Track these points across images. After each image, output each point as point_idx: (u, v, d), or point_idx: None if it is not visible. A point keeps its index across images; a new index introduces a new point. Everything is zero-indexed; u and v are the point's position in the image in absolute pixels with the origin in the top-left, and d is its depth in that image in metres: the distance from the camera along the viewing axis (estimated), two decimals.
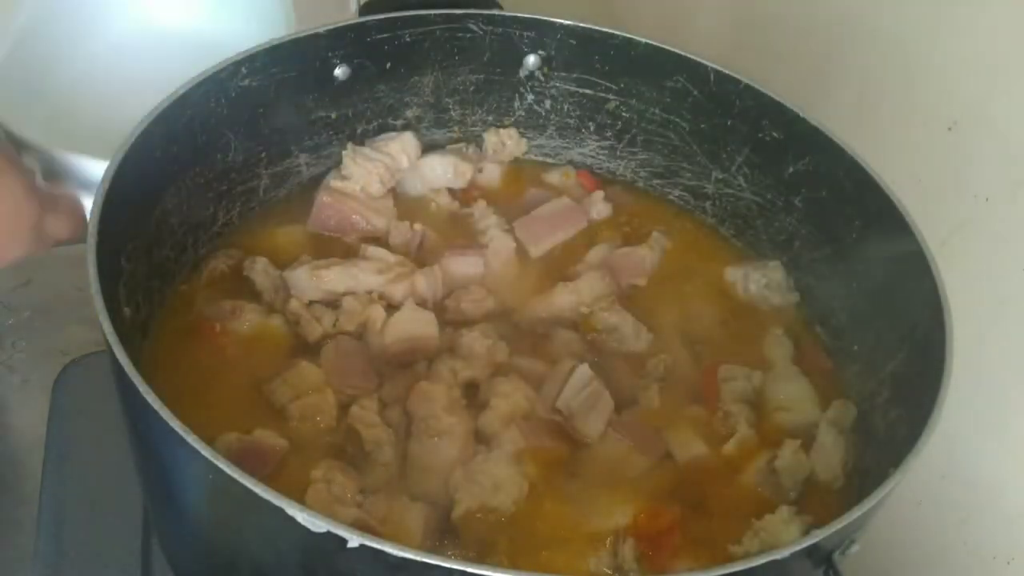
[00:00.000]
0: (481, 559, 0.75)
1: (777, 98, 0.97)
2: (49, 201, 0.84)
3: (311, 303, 0.90)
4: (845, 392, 0.91)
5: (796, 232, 1.00)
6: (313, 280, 0.90)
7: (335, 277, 0.91)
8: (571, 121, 1.10)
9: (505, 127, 1.09)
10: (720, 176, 1.05)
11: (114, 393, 0.72)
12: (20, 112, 0.97)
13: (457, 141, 1.11)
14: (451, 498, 0.78)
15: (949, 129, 0.98)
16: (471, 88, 1.07)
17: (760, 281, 1.00)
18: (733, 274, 1.02)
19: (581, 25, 1.02)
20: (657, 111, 1.05)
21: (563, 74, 1.06)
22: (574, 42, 1.03)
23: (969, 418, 0.94)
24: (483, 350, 0.88)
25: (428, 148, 1.06)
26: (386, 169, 0.99)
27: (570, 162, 1.12)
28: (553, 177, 1.10)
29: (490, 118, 1.10)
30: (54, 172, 0.92)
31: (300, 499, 0.74)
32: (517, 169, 1.11)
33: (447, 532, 0.77)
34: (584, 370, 0.86)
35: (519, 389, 0.85)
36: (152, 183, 0.85)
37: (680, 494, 0.82)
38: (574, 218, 1.05)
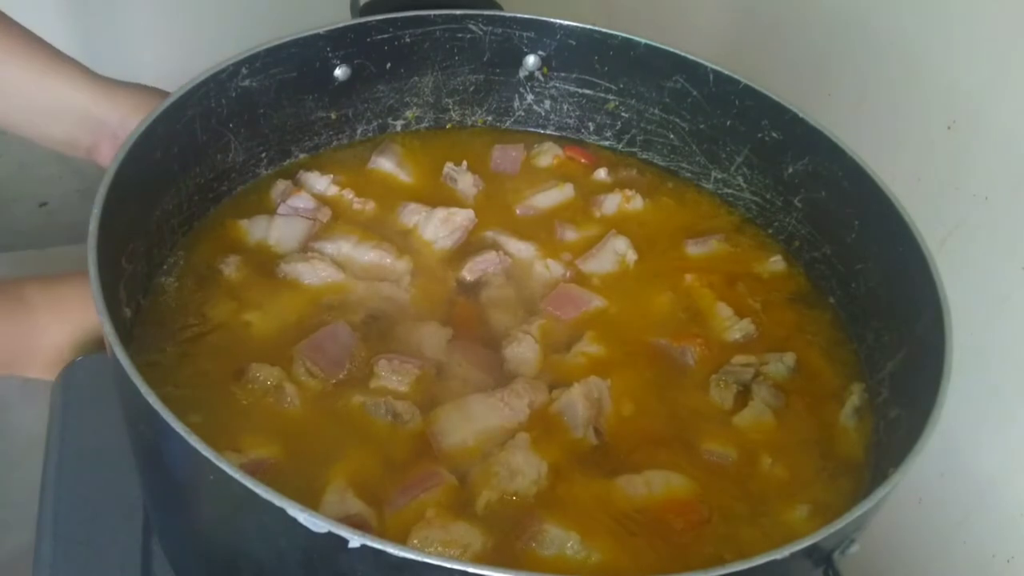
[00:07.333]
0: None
1: (776, 98, 0.97)
2: None
3: None
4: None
5: (795, 232, 1.00)
6: None
7: None
8: (571, 121, 1.10)
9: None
10: (719, 176, 1.05)
11: (114, 393, 0.72)
12: None
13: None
14: (472, 490, 0.76)
15: (948, 128, 0.98)
16: (471, 88, 1.07)
17: (763, 275, 1.00)
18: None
19: (581, 25, 1.02)
20: (656, 111, 1.06)
21: (563, 74, 1.07)
22: (574, 42, 1.04)
23: (969, 417, 0.94)
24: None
25: None
26: None
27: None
28: (545, 161, 1.09)
29: (490, 118, 1.10)
30: None
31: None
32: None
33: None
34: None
35: None
36: (153, 183, 0.85)
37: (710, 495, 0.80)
38: None
